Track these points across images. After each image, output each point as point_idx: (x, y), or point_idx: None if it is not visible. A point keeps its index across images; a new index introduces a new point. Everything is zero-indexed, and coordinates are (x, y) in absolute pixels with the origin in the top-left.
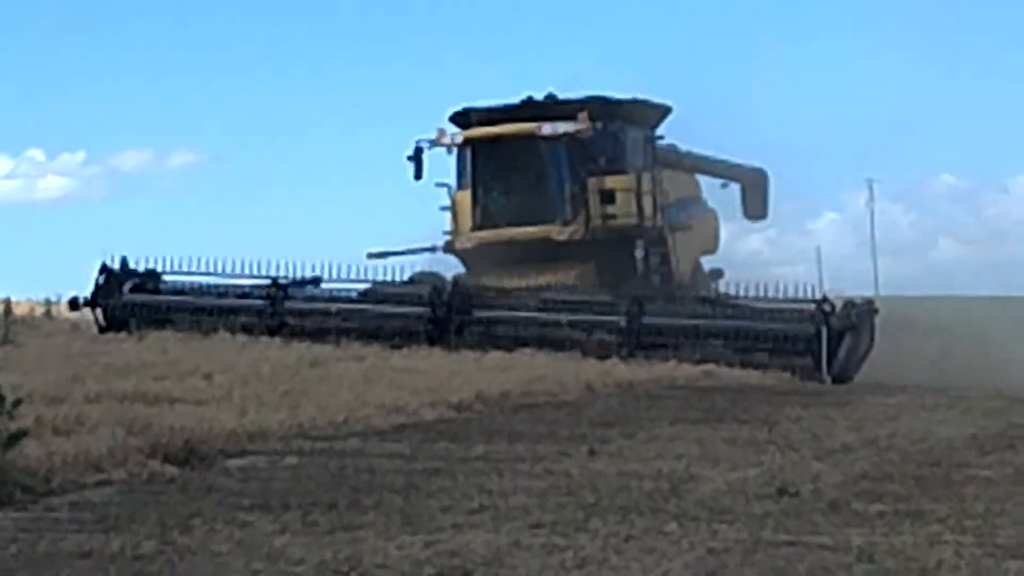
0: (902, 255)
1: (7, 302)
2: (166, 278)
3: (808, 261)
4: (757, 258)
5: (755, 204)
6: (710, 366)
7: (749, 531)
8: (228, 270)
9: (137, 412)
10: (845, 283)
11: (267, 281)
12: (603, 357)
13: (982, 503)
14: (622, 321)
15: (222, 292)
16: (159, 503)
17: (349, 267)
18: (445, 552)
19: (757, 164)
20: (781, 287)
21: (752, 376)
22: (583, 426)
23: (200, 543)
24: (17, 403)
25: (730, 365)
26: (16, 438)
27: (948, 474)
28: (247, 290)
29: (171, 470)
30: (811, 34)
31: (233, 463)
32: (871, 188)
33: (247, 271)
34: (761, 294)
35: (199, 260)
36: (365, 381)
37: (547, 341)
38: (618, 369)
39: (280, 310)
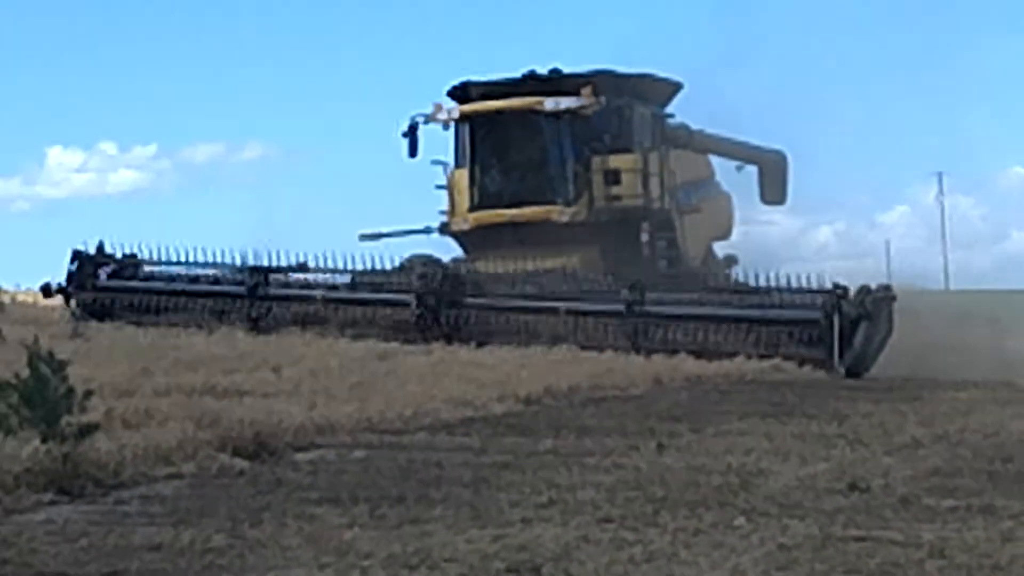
0: (973, 249)
1: None
2: (146, 267)
3: (877, 255)
4: (824, 252)
5: (773, 188)
6: (772, 360)
7: (819, 526)
8: (223, 260)
9: (206, 405)
10: (915, 277)
11: (248, 269)
12: (601, 349)
13: None
14: (621, 309)
15: (200, 279)
16: (229, 496)
17: (344, 254)
18: (514, 546)
19: (776, 146)
20: (804, 277)
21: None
22: (651, 420)
23: (270, 536)
24: (87, 395)
25: (740, 356)
26: (87, 431)
27: (1020, 469)
28: (226, 277)
29: (240, 463)
30: (877, 25)
31: (302, 456)
32: (941, 181)
33: (240, 260)
34: (779, 283)
35: (182, 247)
36: (433, 374)
37: (543, 333)
38: (687, 363)
39: (261, 298)
